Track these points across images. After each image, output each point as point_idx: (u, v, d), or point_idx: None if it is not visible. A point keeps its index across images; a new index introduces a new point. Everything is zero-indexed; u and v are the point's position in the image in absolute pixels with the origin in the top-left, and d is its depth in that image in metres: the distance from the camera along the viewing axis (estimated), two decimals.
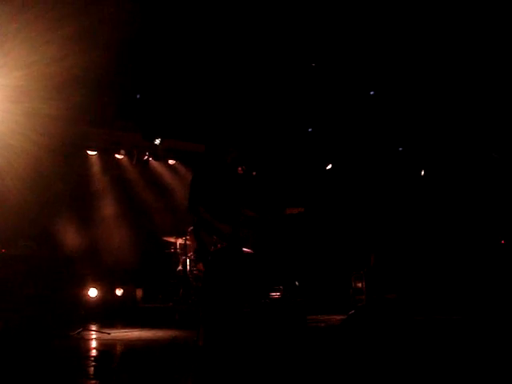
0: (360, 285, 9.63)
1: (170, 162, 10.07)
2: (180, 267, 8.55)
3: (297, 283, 10.09)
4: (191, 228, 7.85)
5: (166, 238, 9.01)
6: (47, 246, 8.37)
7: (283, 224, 9.82)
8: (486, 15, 6.80)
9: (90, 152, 9.18)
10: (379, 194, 10.76)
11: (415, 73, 8.14)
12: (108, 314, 8.28)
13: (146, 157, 9.71)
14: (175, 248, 8.82)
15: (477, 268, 9.04)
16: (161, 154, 9.76)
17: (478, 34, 7.17)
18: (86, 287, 8.59)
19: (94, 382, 4.16)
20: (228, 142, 5.07)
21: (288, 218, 5.17)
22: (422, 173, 10.13)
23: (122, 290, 8.99)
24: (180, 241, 8.70)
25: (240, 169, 5.05)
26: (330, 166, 9.75)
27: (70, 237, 8.66)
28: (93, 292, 8.56)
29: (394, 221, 10.31)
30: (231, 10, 6.62)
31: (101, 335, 6.78)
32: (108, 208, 9.36)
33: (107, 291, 8.85)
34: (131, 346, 6.08)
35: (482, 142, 9.28)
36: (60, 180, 8.64)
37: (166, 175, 10.12)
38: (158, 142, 7.79)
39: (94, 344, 6.22)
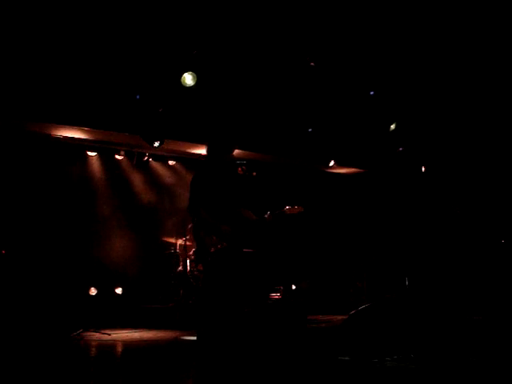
0: (361, 285, 9.63)
1: (171, 162, 10.06)
2: (180, 268, 8.55)
3: (294, 287, 10.09)
4: (190, 225, 7.85)
5: (166, 239, 9.00)
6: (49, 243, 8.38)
7: (284, 224, 9.83)
8: (485, 15, 6.80)
9: (89, 153, 9.18)
10: (379, 193, 10.77)
11: (415, 73, 8.15)
12: (108, 314, 8.28)
13: (146, 157, 9.70)
14: (175, 249, 8.82)
15: (476, 267, 9.04)
16: (161, 155, 9.77)
17: (478, 34, 7.17)
18: (86, 287, 8.60)
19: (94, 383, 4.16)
20: (229, 142, 5.08)
21: (289, 218, 5.17)
22: (423, 169, 10.12)
23: (122, 290, 9.01)
24: (180, 241, 8.69)
25: (240, 169, 5.05)
26: (332, 163, 9.72)
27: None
28: (93, 292, 8.57)
29: (395, 220, 10.31)
30: (230, 8, 6.62)
31: (101, 336, 6.78)
32: (108, 208, 9.35)
33: (107, 291, 8.86)
34: (132, 346, 6.08)
35: (482, 141, 9.28)
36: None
37: (166, 176, 10.11)
38: (157, 144, 7.76)
39: (94, 345, 6.22)
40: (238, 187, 5.11)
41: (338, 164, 9.97)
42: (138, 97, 7.43)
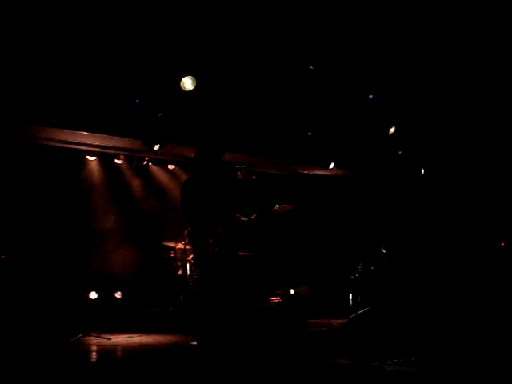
0: (361, 288, 9.62)
1: (170, 166, 10.07)
2: (180, 272, 8.54)
3: (292, 291, 10.08)
4: (187, 230, 7.87)
5: (165, 243, 8.99)
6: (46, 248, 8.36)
7: (282, 228, 9.83)
8: (485, 15, 6.81)
9: (89, 157, 9.18)
10: (379, 196, 10.77)
11: (413, 77, 8.16)
12: (108, 318, 8.28)
13: (146, 162, 9.71)
14: (175, 253, 8.81)
15: (477, 270, 9.04)
16: (160, 159, 9.77)
17: (478, 35, 7.18)
18: (86, 291, 8.59)
19: None
20: (217, 149, 5.15)
21: (281, 216, 5.21)
22: (422, 171, 10.13)
23: (121, 294, 9.00)
24: (180, 245, 8.69)
25: (239, 173, 5.08)
26: (332, 166, 9.70)
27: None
28: (93, 296, 8.57)
29: (393, 224, 10.31)
30: (229, 13, 6.63)
31: (101, 341, 6.77)
32: (107, 213, 9.35)
33: (107, 296, 8.85)
34: (132, 351, 6.07)
35: (482, 143, 9.30)
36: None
37: (166, 180, 10.12)
38: (156, 147, 7.76)
39: (94, 350, 6.21)
40: (230, 191, 5.18)
41: (338, 167, 9.97)
42: (137, 101, 7.43)
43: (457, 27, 7.01)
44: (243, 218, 5.13)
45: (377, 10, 6.76)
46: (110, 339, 6.82)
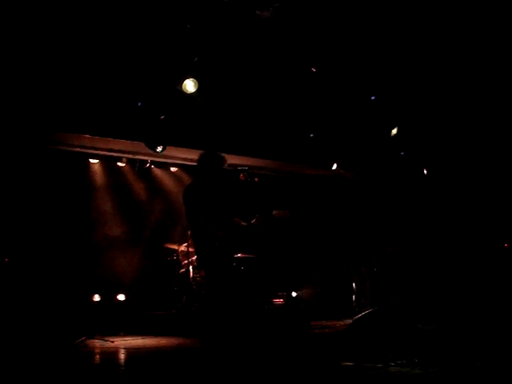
0: (364, 289, 9.61)
1: (172, 169, 10.07)
2: (183, 273, 8.54)
3: (294, 294, 10.07)
4: (190, 232, 7.90)
5: (168, 245, 9.00)
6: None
7: (285, 230, 9.83)
8: (486, 16, 6.81)
9: (91, 160, 9.19)
10: (381, 197, 10.75)
11: (416, 77, 8.16)
12: (111, 321, 8.28)
13: (148, 164, 9.71)
14: (178, 255, 8.81)
15: (480, 271, 9.02)
16: (162, 162, 9.76)
17: (479, 36, 7.18)
18: (89, 294, 8.59)
19: None
20: (217, 160, 5.22)
21: (278, 221, 5.28)
22: (425, 172, 10.11)
23: (124, 297, 9.00)
24: (182, 247, 8.69)
25: (242, 175, 5.12)
26: (335, 167, 9.68)
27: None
28: (96, 299, 8.57)
29: (396, 225, 10.30)
30: (229, 13, 6.64)
31: (104, 343, 6.77)
32: (110, 216, 9.36)
33: (110, 298, 8.85)
34: (135, 353, 6.07)
35: (484, 144, 9.28)
36: None
37: (168, 182, 10.12)
38: (159, 149, 7.76)
39: (97, 352, 6.21)
40: (230, 196, 5.28)
41: (341, 168, 9.95)
42: (139, 104, 7.44)
43: (459, 28, 7.01)
44: (243, 223, 5.20)
45: (378, 11, 6.75)
46: (113, 342, 6.83)
